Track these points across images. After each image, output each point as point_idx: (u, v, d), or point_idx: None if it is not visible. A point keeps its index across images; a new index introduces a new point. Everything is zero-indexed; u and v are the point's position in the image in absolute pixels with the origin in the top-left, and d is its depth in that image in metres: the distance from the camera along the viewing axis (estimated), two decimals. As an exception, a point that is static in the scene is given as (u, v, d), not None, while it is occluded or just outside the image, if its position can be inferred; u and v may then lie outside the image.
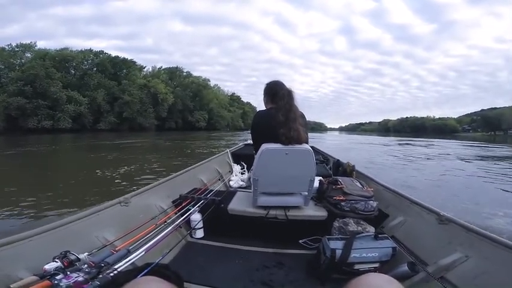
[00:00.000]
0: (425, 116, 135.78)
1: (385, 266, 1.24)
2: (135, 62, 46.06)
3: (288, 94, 1.52)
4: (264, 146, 1.47)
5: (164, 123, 44.35)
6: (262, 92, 1.75)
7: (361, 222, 1.47)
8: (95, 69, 39.42)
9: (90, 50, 40.72)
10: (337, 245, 1.25)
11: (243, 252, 1.53)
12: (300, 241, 1.59)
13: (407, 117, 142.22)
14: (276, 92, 1.58)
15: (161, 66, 54.43)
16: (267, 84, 1.73)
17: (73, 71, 36.56)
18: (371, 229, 1.43)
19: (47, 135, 22.92)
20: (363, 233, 1.36)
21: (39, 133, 25.23)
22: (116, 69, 41.49)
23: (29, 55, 33.60)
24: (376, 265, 1.24)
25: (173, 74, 53.30)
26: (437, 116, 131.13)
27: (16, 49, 33.44)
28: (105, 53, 42.06)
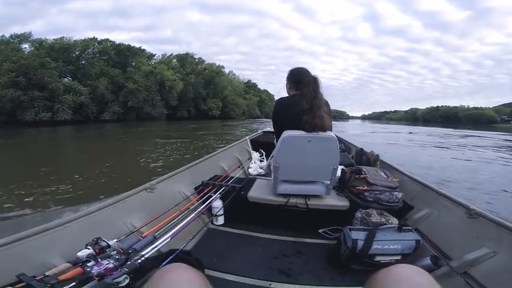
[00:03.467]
0: (457, 105, 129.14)
1: (407, 259, 1.25)
2: (143, 50, 44.75)
3: (314, 81, 1.52)
4: (286, 133, 1.49)
5: (176, 112, 42.92)
6: (286, 79, 1.75)
7: (385, 213, 1.48)
8: (101, 57, 38.28)
9: (95, 39, 39.27)
10: (359, 235, 1.28)
11: (262, 240, 1.59)
12: (320, 231, 1.63)
13: (438, 106, 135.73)
14: (301, 79, 1.58)
15: (172, 54, 53.07)
16: (291, 70, 1.73)
17: (73, 60, 34.67)
18: (394, 221, 1.44)
19: (46, 128, 22.24)
20: (386, 224, 1.37)
21: (38, 126, 23.96)
22: (121, 57, 40.69)
23: (26, 46, 32.38)
24: (398, 257, 1.26)
25: (184, 61, 51.69)
26: (470, 106, 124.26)
27: (11, 40, 31.14)
28: (110, 40, 40.69)
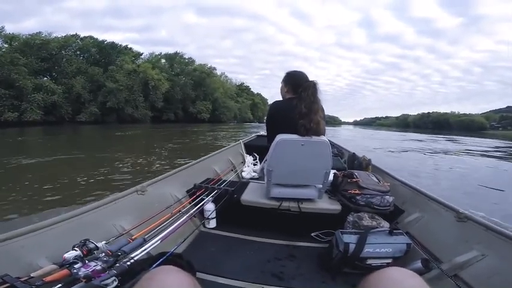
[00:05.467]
0: (446, 111, 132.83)
1: (398, 262, 1.27)
2: (130, 48, 43.97)
3: (314, 86, 1.56)
4: (280, 137, 1.51)
5: (162, 114, 41.42)
6: (282, 81, 1.76)
7: (376, 217, 1.51)
8: (80, 55, 36.43)
9: (76, 36, 37.29)
10: (350, 239, 1.30)
11: (255, 243, 1.60)
12: (312, 234, 1.65)
13: (429, 113, 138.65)
14: (300, 83, 1.61)
15: (160, 53, 50.92)
16: (289, 73, 1.74)
17: (48, 57, 32.14)
18: (385, 224, 1.46)
19: (11, 129, 20.54)
20: (377, 228, 1.40)
21: (3, 127, 22.27)
22: (104, 55, 38.74)
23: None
24: (389, 261, 1.28)
25: (173, 61, 49.44)
26: (460, 112, 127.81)
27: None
28: (92, 37, 38.85)
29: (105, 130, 22.52)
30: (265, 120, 1.79)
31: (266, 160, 1.64)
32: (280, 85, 1.80)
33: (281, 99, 1.78)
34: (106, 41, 39.89)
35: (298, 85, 1.62)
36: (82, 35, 38.27)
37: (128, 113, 35.72)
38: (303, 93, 1.55)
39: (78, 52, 36.78)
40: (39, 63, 30.38)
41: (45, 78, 31.60)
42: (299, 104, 1.53)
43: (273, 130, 1.66)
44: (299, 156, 1.52)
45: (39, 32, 32.87)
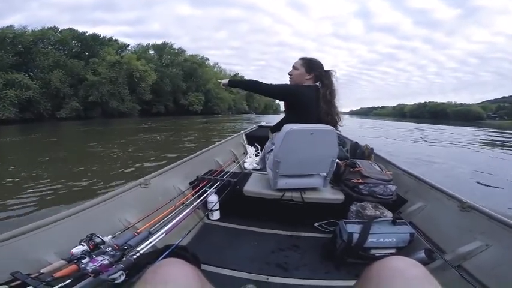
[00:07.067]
0: (443, 101, 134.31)
1: (401, 252, 1.28)
2: (115, 40, 41.12)
3: (333, 75, 1.66)
4: (289, 127, 1.47)
5: (151, 107, 39.02)
6: (302, 67, 1.72)
7: (379, 206, 1.51)
8: (60, 48, 34.30)
9: (55, 28, 35.11)
10: (354, 229, 1.31)
11: (258, 234, 1.61)
12: (316, 224, 1.65)
13: (425, 102, 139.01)
14: (323, 71, 1.66)
15: (149, 44, 48.21)
16: (314, 60, 1.71)
17: (22, 51, 29.65)
18: (389, 214, 1.47)
19: None
20: (380, 217, 1.41)
21: None
22: (86, 47, 36.62)
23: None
24: (393, 251, 1.29)
25: (162, 51, 46.70)
26: (456, 102, 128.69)
27: None
28: (72, 29, 36.31)
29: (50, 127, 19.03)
30: (285, 94, 1.75)
31: (271, 150, 1.63)
32: (293, 69, 1.77)
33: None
34: (87, 32, 37.72)
35: (320, 73, 1.66)
36: (61, 28, 36.23)
37: (113, 106, 33.98)
38: (326, 80, 1.60)
39: (57, 45, 34.80)
40: (11, 57, 28.36)
41: (23, 73, 29.38)
42: (324, 91, 1.60)
43: (280, 98, 1.76)
44: (308, 146, 1.51)
45: (11, 26, 30.87)
